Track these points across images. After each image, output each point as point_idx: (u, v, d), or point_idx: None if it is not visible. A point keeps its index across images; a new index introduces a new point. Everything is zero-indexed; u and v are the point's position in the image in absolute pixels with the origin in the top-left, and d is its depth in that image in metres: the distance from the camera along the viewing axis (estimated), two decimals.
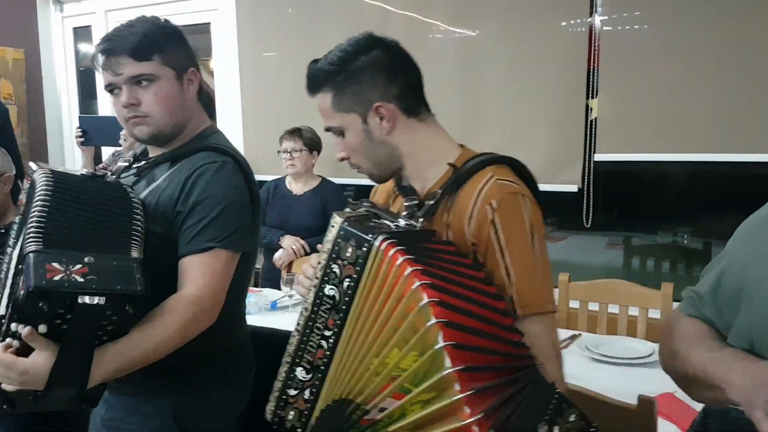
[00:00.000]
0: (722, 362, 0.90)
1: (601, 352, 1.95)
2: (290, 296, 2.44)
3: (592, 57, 2.50)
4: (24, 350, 1.04)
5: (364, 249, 0.92)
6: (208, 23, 3.48)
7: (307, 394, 0.99)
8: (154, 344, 1.15)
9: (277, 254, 2.87)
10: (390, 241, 0.91)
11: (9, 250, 1.27)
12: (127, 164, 1.38)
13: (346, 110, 1.09)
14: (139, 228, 1.20)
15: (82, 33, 4.17)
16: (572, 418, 0.90)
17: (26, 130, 4.00)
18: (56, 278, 0.99)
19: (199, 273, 1.23)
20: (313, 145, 2.92)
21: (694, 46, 2.31)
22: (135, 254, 1.14)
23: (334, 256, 0.96)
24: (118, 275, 1.06)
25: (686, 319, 1.07)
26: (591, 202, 2.57)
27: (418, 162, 1.13)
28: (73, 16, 4.13)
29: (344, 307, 0.94)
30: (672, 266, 2.91)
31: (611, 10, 2.46)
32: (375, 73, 1.08)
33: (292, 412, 1.00)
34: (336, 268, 0.95)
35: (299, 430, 1.00)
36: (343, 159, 1.15)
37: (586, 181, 2.56)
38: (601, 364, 1.93)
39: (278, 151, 2.96)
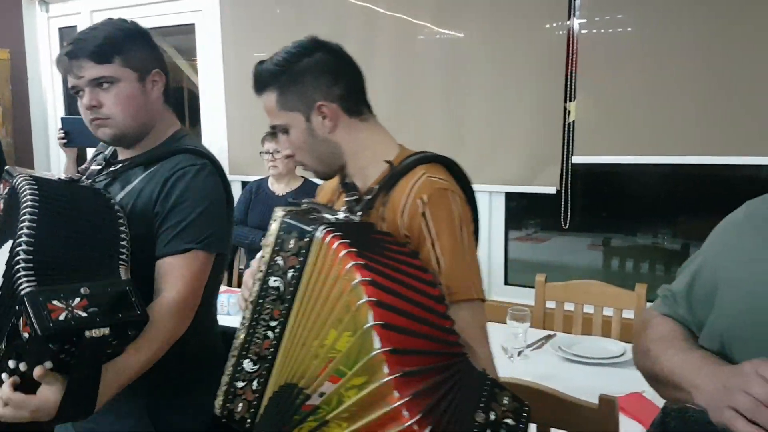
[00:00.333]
0: (690, 365, 0.91)
1: (573, 352, 1.98)
2: None
3: (570, 60, 2.52)
4: (26, 385, 1.05)
5: (306, 240, 0.96)
6: (193, 24, 3.49)
7: (255, 384, 1.01)
8: (146, 357, 1.18)
9: (259, 255, 2.87)
10: (330, 229, 0.95)
11: None
12: (99, 167, 1.40)
13: (290, 109, 1.14)
14: (125, 241, 1.21)
15: (67, 33, 4.16)
16: (506, 401, 0.93)
17: (11, 130, 4.00)
18: (61, 318, 1.00)
19: (180, 275, 1.25)
20: None
21: (671, 49, 2.34)
22: (123, 274, 1.15)
23: (277, 248, 0.99)
24: (116, 303, 1.08)
25: (660, 318, 1.08)
26: (569, 204, 2.60)
27: (360, 160, 1.18)
28: (59, 17, 4.12)
29: (289, 297, 0.97)
30: (651, 267, 2.94)
31: (589, 13, 2.48)
32: (318, 74, 1.13)
33: (240, 404, 1.02)
34: (279, 260, 0.98)
35: (248, 420, 1.01)
36: (288, 156, 1.21)
37: (564, 183, 2.58)
38: (574, 363, 1.96)
39: (260, 152, 2.98)
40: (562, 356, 1.98)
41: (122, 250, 1.19)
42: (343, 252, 0.91)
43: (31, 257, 1.06)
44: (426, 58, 2.80)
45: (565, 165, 2.57)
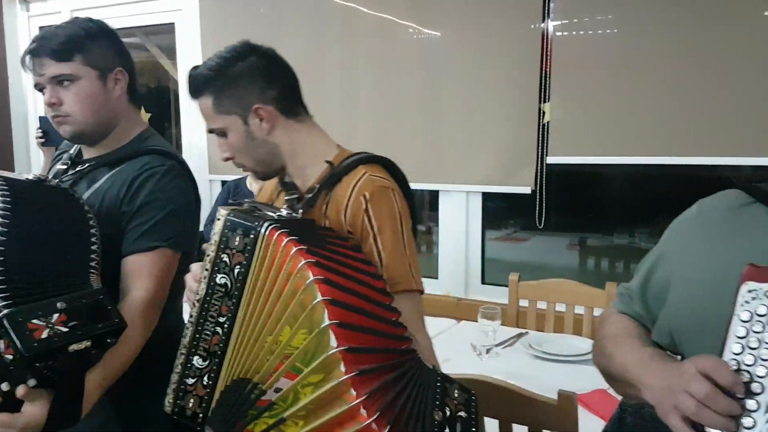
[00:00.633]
0: (641, 363, 0.92)
1: (543, 349, 2.00)
2: None
3: (544, 62, 2.55)
4: (10, 404, 1.05)
5: (252, 236, 0.98)
6: (173, 23, 3.49)
7: (205, 379, 1.02)
8: (121, 362, 1.20)
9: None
10: (275, 226, 0.97)
11: None
12: (65, 167, 1.40)
13: (227, 112, 1.17)
14: (96, 245, 1.20)
15: None
16: (456, 393, 0.95)
17: None
18: (44, 335, 1.00)
19: (147, 273, 1.26)
20: None
21: (644, 52, 2.37)
22: (95, 282, 1.15)
23: (222, 246, 1.01)
24: (94, 314, 1.09)
25: (616, 316, 1.11)
26: (544, 204, 2.62)
27: (299, 160, 1.21)
28: (39, 15, 4.10)
29: (236, 292, 0.99)
30: (626, 267, 2.97)
31: (563, 16, 2.51)
32: (253, 77, 1.16)
33: (192, 400, 1.03)
34: (225, 258, 1.00)
35: (200, 415, 1.02)
36: (227, 159, 1.23)
37: (539, 183, 2.61)
38: (544, 361, 1.98)
39: None
40: (532, 354, 2.01)
41: (93, 256, 1.19)
42: (293, 249, 0.93)
43: (3, 269, 1.04)
44: (404, 57, 2.81)
45: (540, 165, 2.59)
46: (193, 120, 3.55)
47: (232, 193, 3.04)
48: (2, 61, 4.07)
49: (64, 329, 1.03)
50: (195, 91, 1.20)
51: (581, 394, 1.61)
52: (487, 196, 2.83)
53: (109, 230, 1.28)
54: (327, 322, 0.88)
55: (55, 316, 1.03)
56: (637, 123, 2.41)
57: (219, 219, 1.02)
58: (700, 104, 2.30)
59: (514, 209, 3.07)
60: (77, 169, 1.38)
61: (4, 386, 1.03)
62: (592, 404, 1.60)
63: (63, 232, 1.18)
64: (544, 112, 2.56)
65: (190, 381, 1.03)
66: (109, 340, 1.11)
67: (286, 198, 1.20)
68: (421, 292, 1.15)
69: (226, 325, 1.00)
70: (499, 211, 3.04)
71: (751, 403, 0.72)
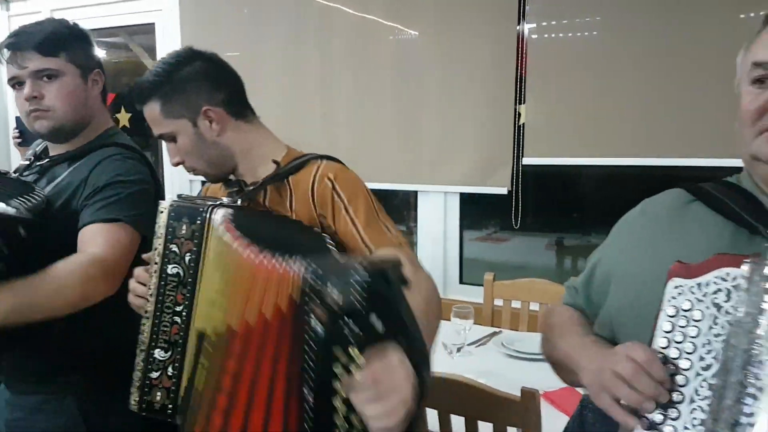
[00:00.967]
0: (580, 348, 0.96)
1: (515, 348, 2.03)
2: None
3: (520, 64, 2.57)
4: None
5: (199, 222, 1.00)
6: (153, 23, 3.48)
7: (170, 370, 1.03)
8: (52, 289, 1.13)
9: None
10: (220, 205, 1.02)
11: None
12: (28, 162, 1.41)
13: (176, 116, 1.18)
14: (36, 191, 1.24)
15: None
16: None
17: None
18: None
19: (103, 239, 1.22)
20: None
21: (619, 54, 2.40)
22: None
23: (169, 237, 1.03)
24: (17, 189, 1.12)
25: (562, 308, 1.14)
26: (520, 205, 2.65)
27: (250, 160, 1.23)
28: (19, 15, 4.07)
29: (191, 279, 1.01)
30: None
31: (538, 18, 2.53)
32: (200, 81, 1.18)
33: (159, 393, 1.04)
34: (174, 248, 1.02)
35: (170, 406, 1.03)
36: (177, 164, 1.23)
37: (515, 184, 2.63)
38: (515, 359, 2.00)
39: None
40: (504, 352, 2.03)
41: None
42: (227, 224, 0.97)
43: None
44: (382, 58, 2.82)
45: (516, 166, 2.62)
46: None
47: None
48: None
49: None
50: (141, 99, 1.20)
51: (549, 391, 1.64)
52: (467, 197, 2.85)
53: (73, 222, 1.27)
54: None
55: None
56: (612, 124, 2.44)
57: (162, 211, 1.04)
58: (675, 106, 2.33)
59: (493, 210, 3.10)
60: (37, 163, 1.39)
61: None
62: (559, 401, 1.62)
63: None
64: (519, 114, 2.59)
65: (155, 375, 1.04)
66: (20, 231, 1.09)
67: (228, 191, 1.21)
68: (403, 245, 1.14)
69: (184, 314, 1.01)
70: (479, 212, 3.06)
71: (675, 395, 0.74)
